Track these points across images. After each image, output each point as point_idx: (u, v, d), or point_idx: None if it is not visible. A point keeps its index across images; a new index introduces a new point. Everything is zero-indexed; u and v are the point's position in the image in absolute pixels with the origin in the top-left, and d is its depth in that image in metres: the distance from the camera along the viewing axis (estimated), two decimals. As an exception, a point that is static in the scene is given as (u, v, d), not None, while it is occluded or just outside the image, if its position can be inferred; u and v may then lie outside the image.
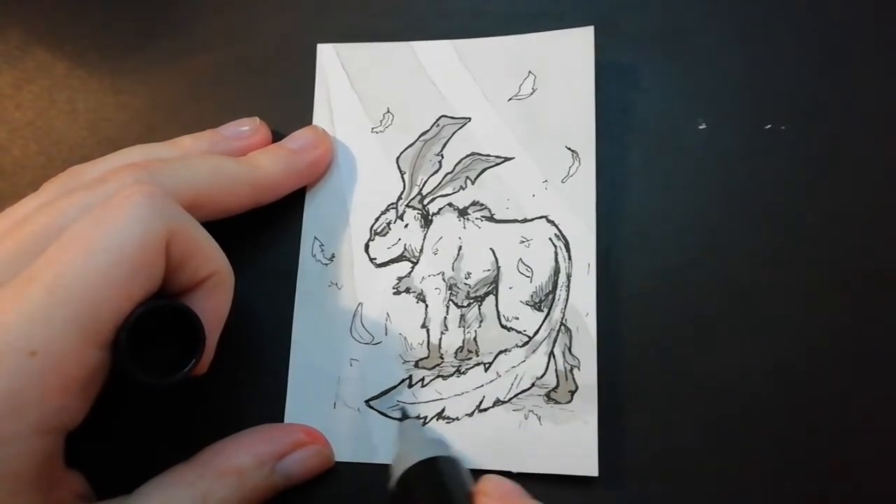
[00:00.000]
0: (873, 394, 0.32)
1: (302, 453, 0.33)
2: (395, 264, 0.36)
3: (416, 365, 0.35)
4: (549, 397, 0.33)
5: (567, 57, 0.37)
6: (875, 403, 0.32)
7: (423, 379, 0.34)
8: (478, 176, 0.37)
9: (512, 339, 0.34)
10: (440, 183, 0.37)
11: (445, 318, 0.35)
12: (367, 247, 0.37)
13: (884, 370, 0.33)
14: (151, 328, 0.28)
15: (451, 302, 0.35)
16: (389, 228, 0.37)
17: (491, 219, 0.36)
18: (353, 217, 0.37)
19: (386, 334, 0.35)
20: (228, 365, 0.35)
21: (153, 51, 0.40)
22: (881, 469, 0.32)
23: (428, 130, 0.38)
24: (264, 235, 0.37)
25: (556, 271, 0.35)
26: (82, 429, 0.28)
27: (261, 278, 0.36)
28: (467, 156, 0.37)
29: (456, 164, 0.37)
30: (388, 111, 0.38)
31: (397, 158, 0.37)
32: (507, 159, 0.36)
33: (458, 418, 0.34)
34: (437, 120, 0.38)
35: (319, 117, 0.38)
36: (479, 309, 0.35)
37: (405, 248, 0.36)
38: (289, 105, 0.39)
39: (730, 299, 0.34)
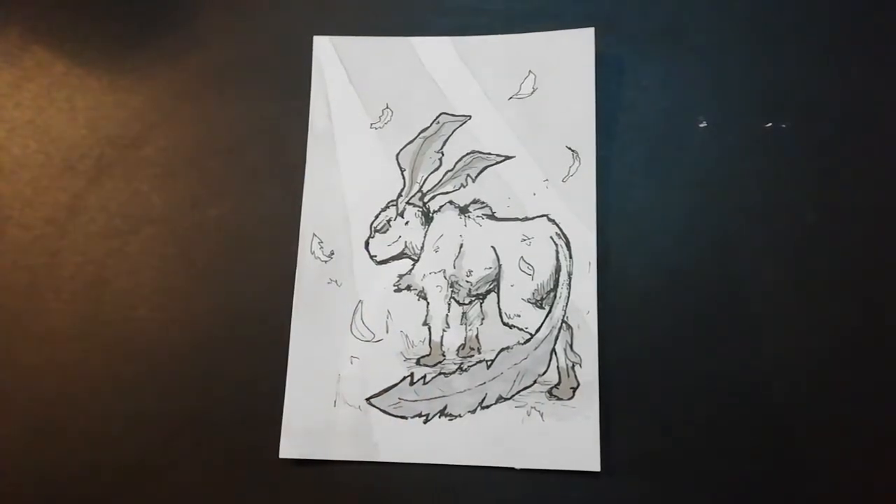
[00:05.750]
0: (873, 392, 0.33)
1: None
2: (396, 262, 0.36)
3: (418, 362, 0.35)
4: (550, 394, 0.33)
5: (567, 57, 0.37)
6: (875, 402, 0.33)
7: (424, 376, 0.34)
8: (478, 174, 0.37)
9: (514, 336, 0.34)
10: (441, 180, 0.37)
11: (447, 315, 0.35)
12: (367, 244, 0.37)
13: (884, 369, 0.33)
14: None
15: (452, 299, 0.35)
16: (390, 226, 0.37)
17: (492, 217, 0.36)
18: (353, 214, 0.37)
19: (387, 332, 0.35)
20: (227, 363, 0.35)
21: (151, 49, 0.40)
22: (881, 467, 0.32)
23: (428, 127, 0.38)
24: (261, 232, 0.37)
25: (558, 269, 0.35)
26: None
27: (259, 276, 0.36)
28: (468, 153, 0.37)
29: (456, 162, 0.37)
30: (388, 107, 0.38)
31: (397, 155, 0.37)
32: (507, 158, 0.37)
33: (460, 415, 0.34)
34: (438, 117, 0.38)
35: (316, 111, 0.38)
36: (481, 306, 0.35)
37: (406, 246, 0.36)
38: (287, 100, 0.38)
39: (730, 297, 0.34)
